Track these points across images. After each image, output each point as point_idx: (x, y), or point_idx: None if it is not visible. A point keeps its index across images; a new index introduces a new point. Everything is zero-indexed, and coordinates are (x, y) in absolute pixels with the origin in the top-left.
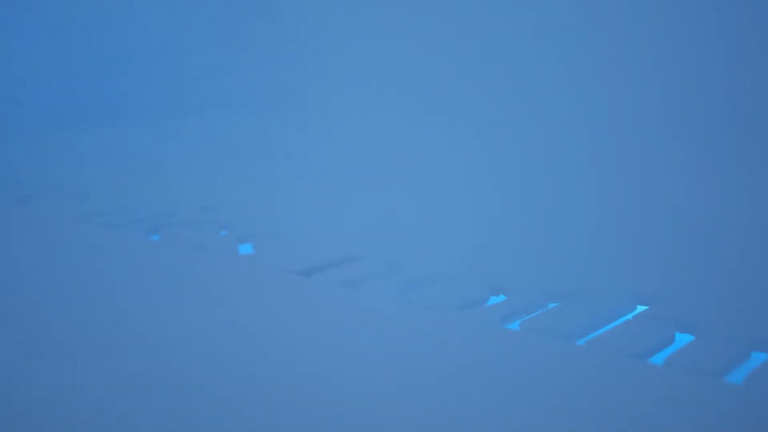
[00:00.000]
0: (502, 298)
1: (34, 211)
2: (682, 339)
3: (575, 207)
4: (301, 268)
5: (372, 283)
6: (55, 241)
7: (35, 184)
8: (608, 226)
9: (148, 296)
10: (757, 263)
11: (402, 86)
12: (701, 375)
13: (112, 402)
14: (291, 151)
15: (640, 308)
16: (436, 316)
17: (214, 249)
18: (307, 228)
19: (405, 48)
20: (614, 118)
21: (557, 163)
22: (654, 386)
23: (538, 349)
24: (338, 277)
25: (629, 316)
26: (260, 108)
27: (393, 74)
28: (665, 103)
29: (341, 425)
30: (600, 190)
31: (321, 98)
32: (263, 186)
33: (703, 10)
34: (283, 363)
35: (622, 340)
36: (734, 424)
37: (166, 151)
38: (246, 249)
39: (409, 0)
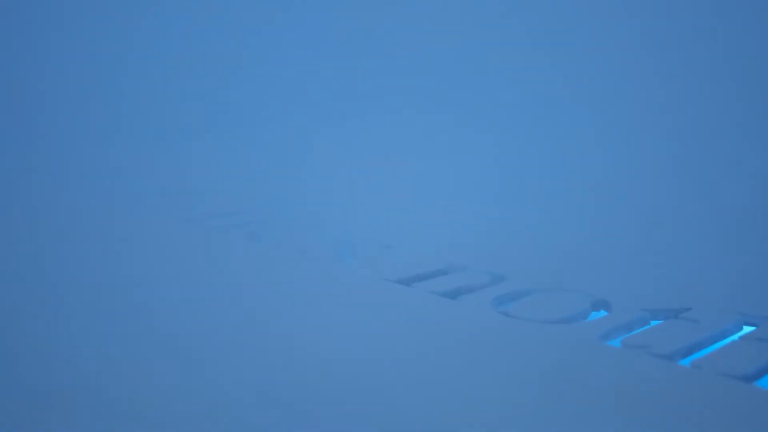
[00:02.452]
0: (603, 313)
1: (144, 212)
2: None
3: (681, 223)
4: (401, 276)
5: (473, 295)
6: (161, 242)
7: (147, 186)
8: (715, 243)
9: (251, 300)
10: None
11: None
12: None
13: (219, 404)
14: (392, 157)
15: (747, 329)
16: (536, 330)
17: (315, 255)
18: (409, 236)
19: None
20: (709, 128)
21: (661, 176)
22: (761, 412)
23: (638, 367)
24: (439, 287)
25: (735, 337)
26: (362, 112)
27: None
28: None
29: None
30: (707, 205)
31: (418, 101)
32: (366, 192)
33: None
34: (380, 372)
35: (727, 361)
36: None
37: (269, 156)
38: (347, 255)
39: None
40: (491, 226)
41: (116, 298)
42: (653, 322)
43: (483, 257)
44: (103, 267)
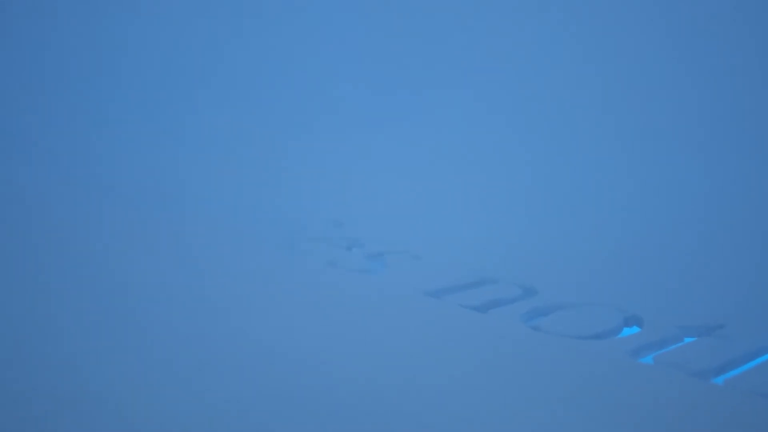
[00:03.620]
0: (636, 329)
1: (177, 218)
2: None
3: (716, 238)
4: (432, 288)
5: (504, 308)
6: (187, 250)
7: (180, 191)
8: (750, 259)
9: (280, 309)
10: None
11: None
12: None
13: (240, 415)
14: (421, 167)
15: None
16: (567, 346)
17: (345, 266)
18: (438, 247)
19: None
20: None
21: (697, 191)
22: None
23: (671, 385)
24: (469, 300)
25: None
26: (392, 123)
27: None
28: None
29: None
30: (742, 220)
31: (445, 110)
32: (397, 202)
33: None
34: (407, 385)
35: (763, 381)
36: None
37: (301, 166)
38: (377, 267)
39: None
40: (522, 238)
41: (139, 303)
42: (686, 339)
43: (514, 269)
44: (126, 273)
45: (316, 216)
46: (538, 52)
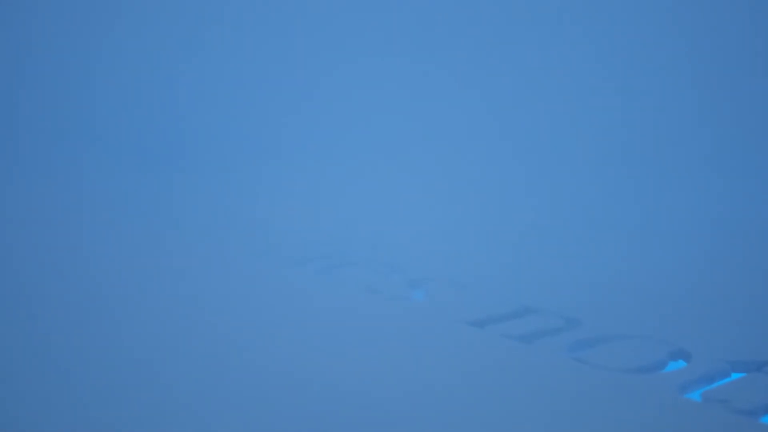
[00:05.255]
0: (682, 364)
1: (211, 244)
2: None
3: (763, 268)
4: (474, 318)
5: (547, 339)
6: (228, 277)
7: (215, 217)
8: None
9: (318, 335)
10: None
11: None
12: None
13: None
14: (462, 193)
15: None
16: (611, 380)
17: (384, 292)
18: (482, 275)
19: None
20: None
21: (742, 220)
22: None
23: (718, 424)
24: (512, 331)
25: None
26: (431, 146)
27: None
28: None
29: None
30: None
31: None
32: (439, 228)
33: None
34: (446, 417)
35: None
36: None
37: (339, 188)
38: (418, 294)
39: None
40: (566, 267)
41: (178, 324)
42: (735, 375)
43: (558, 299)
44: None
45: (354, 239)
46: (573, 77)
